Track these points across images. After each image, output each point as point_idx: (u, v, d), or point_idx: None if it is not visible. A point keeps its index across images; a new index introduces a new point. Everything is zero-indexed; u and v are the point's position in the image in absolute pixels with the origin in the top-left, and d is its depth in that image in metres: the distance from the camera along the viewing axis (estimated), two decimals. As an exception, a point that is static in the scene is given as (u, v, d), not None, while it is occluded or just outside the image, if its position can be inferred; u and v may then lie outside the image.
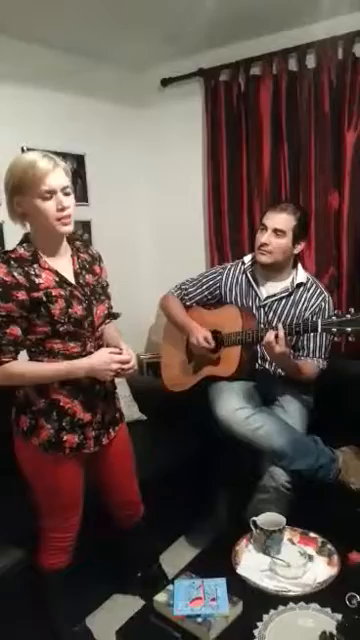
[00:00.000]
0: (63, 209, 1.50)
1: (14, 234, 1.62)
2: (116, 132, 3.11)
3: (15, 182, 1.49)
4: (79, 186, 2.87)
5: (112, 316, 1.80)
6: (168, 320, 2.51)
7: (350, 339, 1.88)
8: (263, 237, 2.19)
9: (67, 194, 1.52)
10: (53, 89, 2.71)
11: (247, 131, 2.77)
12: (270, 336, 2.00)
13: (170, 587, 1.58)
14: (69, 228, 1.55)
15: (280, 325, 2.02)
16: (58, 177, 1.49)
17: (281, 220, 2.17)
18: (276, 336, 1.99)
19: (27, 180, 1.46)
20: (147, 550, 2.15)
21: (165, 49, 2.81)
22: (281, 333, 1.99)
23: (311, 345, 2.21)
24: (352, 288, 2.64)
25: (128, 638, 1.52)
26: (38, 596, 1.80)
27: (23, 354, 1.60)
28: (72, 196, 1.54)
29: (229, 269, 2.40)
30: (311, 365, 2.20)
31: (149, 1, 2.21)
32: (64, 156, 2.64)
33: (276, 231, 2.17)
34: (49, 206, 1.49)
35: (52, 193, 1.48)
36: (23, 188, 1.48)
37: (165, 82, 3.04)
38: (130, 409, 2.62)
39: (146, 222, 3.33)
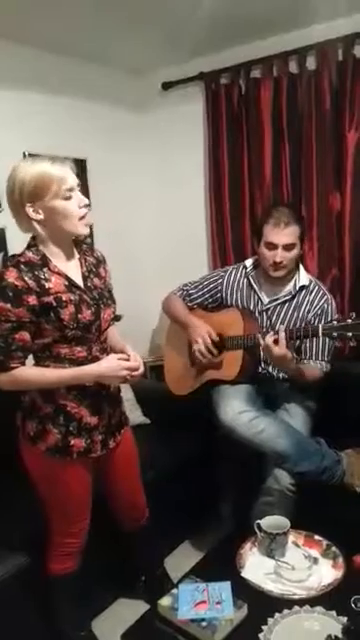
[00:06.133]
0: (85, 205, 1.53)
1: (17, 239, 1.62)
2: (118, 136, 3.12)
3: (31, 188, 1.46)
4: (81, 190, 2.86)
5: (114, 319, 1.80)
6: (170, 320, 2.51)
7: (351, 344, 1.87)
8: (276, 257, 2.13)
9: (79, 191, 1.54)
10: (54, 93, 2.72)
11: (248, 134, 2.77)
12: (269, 340, 1.97)
13: (174, 591, 1.58)
14: (88, 229, 1.57)
15: (282, 327, 2.00)
16: (72, 175, 1.51)
17: (289, 235, 2.13)
18: (275, 340, 1.97)
19: (46, 183, 1.45)
20: (151, 554, 2.14)
21: (166, 53, 2.82)
22: (282, 335, 1.97)
23: (314, 348, 2.19)
24: (354, 289, 2.63)
25: (133, 642, 1.51)
26: (41, 601, 1.80)
27: (29, 359, 1.59)
28: None
29: (230, 273, 2.39)
30: (314, 368, 2.19)
31: (149, 5, 2.22)
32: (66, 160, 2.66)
33: (287, 247, 2.13)
34: (72, 205, 1.50)
35: (72, 191, 1.50)
36: (42, 192, 1.46)
37: (166, 86, 3.05)
38: (133, 413, 2.62)
39: (148, 225, 3.33)
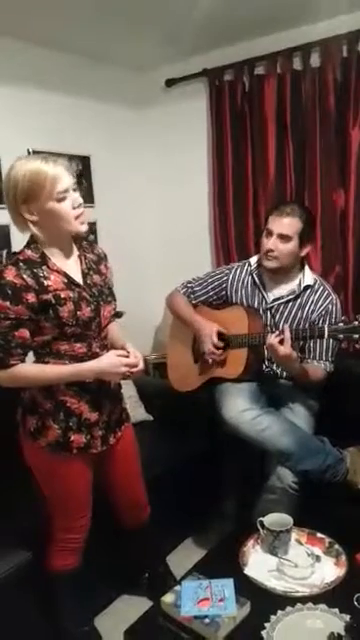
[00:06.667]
0: (79, 206, 1.52)
1: (21, 236, 1.62)
2: (121, 133, 3.11)
3: (25, 190, 1.46)
4: (84, 187, 2.87)
5: (116, 315, 1.80)
6: (174, 317, 2.50)
7: (357, 346, 1.88)
8: (269, 243, 2.15)
9: (75, 190, 1.52)
10: (57, 91, 2.72)
11: (252, 130, 2.76)
12: (274, 339, 1.98)
13: (177, 588, 1.57)
14: (86, 226, 1.56)
15: (287, 326, 2.00)
16: (66, 175, 1.49)
17: (286, 225, 2.12)
18: (281, 340, 1.97)
19: (39, 185, 1.45)
20: (154, 551, 2.15)
21: (169, 50, 2.81)
22: (287, 334, 1.97)
23: (318, 348, 2.19)
24: (358, 287, 2.62)
25: (136, 639, 1.51)
26: (43, 597, 1.80)
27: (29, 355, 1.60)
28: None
29: (235, 270, 2.39)
30: (318, 368, 2.18)
31: (151, 2, 2.21)
32: (70, 158, 2.65)
33: (282, 236, 2.13)
34: (66, 206, 1.49)
35: (67, 192, 1.48)
36: (35, 195, 1.46)
37: (169, 82, 3.04)
38: (136, 409, 2.62)
39: (151, 222, 3.33)
